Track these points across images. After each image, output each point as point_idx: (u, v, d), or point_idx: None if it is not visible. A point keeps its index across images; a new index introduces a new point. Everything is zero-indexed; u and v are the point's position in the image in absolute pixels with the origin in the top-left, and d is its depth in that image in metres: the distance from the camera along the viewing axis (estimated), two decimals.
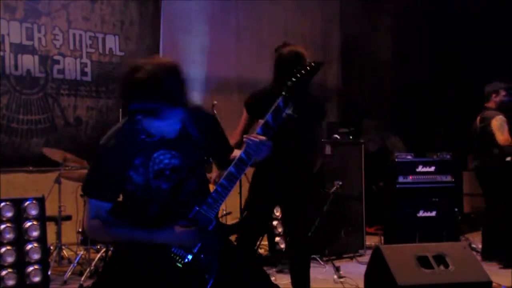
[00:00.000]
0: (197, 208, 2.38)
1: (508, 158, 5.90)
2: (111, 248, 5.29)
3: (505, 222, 5.94)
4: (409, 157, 6.76)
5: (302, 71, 2.36)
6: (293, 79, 2.36)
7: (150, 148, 2.42)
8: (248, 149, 2.41)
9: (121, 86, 2.39)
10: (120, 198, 2.50)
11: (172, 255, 2.36)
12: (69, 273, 5.14)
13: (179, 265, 2.36)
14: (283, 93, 2.37)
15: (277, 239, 6.23)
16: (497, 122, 5.90)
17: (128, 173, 2.39)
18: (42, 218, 4.73)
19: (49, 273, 4.82)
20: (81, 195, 5.85)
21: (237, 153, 2.55)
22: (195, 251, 2.37)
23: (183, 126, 2.45)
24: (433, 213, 6.47)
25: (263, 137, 2.40)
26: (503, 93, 6.13)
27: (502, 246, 5.88)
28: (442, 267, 3.76)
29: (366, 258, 5.51)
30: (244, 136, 2.44)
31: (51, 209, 5.30)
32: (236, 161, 2.42)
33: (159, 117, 2.28)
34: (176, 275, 2.35)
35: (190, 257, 2.37)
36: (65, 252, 5.80)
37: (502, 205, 5.98)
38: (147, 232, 2.34)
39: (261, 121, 2.41)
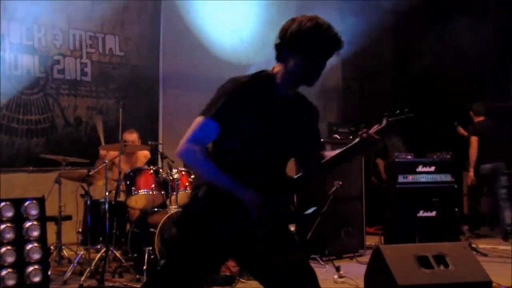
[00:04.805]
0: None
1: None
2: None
3: None
4: (409, 157, 6.76)
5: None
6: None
7: (276, 100, 2.46)
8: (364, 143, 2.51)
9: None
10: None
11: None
12: (69, 273, 5.14)
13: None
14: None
15: None
16: None
17: (245, 112, 2.38)
18: (42, 218, 4.72)
19: (49, 273, 4.81)
20: (81, 195, 5.86)
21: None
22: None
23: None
24: (433, 213, 6.47)
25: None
26: None
27: None
28: (442, 267, 3.75)
29: (366, 258, 5.50)
30: (364, 131, 2.51)
31: (51, 209, 5.29)
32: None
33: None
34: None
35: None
36: (65, 252, 5.79)
37: None
38: (232, 182, 2.34)
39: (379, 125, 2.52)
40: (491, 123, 7.59)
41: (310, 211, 2.60)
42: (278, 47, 2.47)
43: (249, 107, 2.38)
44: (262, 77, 2.49)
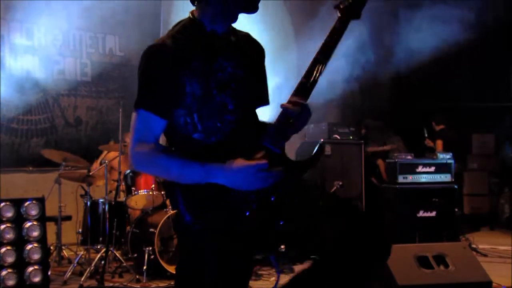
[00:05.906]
0: (262, 142, 1.96)
1: None
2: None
3: None
4: (409, 157, 6.75)
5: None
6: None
7: (215, 48, 2.01)
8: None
9: None
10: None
11: (241, 198, 1.92)
12: (69, 273, 5.14)
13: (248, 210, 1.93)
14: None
15: None
16: None
17: (183, 78, 1.93)
18: (42, 218, 4.72)
19: (49, 273, 4.81)
20: (81, 195, 5.86)
21: None
22: (263, 192, 1.92)
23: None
24: (433, 213, 6.46)
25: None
26: None
27: None
28: (442, 267, 3.76)
29: None
30: (281, 104, 1.99)
31: (51, 209, 5.29)
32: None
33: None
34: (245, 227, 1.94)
35: (253, 198, 1.92)
36: (65, 252, 5.80)
37: None
38: (202, 166, 1.88)
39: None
40: (451, 130, 8.24)
41: (315, 150, 2.06)
42: None
43: (182, 66, 1.93)
44: (181, 28, 2.02)
